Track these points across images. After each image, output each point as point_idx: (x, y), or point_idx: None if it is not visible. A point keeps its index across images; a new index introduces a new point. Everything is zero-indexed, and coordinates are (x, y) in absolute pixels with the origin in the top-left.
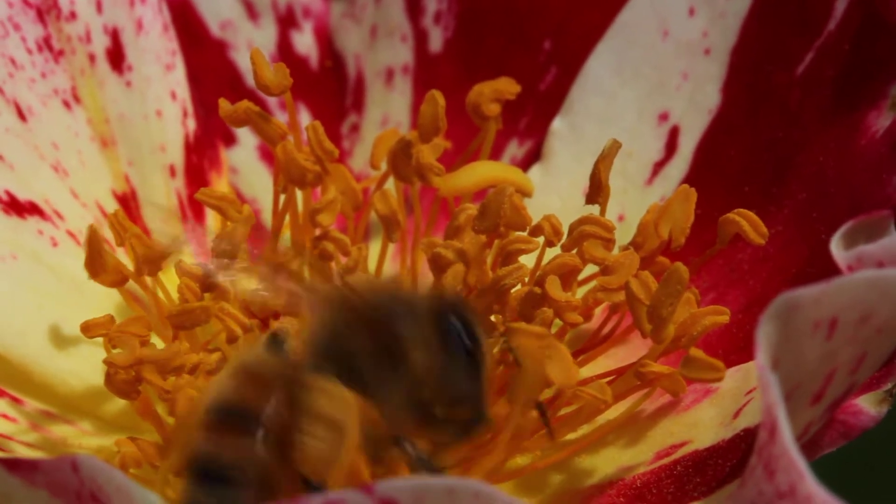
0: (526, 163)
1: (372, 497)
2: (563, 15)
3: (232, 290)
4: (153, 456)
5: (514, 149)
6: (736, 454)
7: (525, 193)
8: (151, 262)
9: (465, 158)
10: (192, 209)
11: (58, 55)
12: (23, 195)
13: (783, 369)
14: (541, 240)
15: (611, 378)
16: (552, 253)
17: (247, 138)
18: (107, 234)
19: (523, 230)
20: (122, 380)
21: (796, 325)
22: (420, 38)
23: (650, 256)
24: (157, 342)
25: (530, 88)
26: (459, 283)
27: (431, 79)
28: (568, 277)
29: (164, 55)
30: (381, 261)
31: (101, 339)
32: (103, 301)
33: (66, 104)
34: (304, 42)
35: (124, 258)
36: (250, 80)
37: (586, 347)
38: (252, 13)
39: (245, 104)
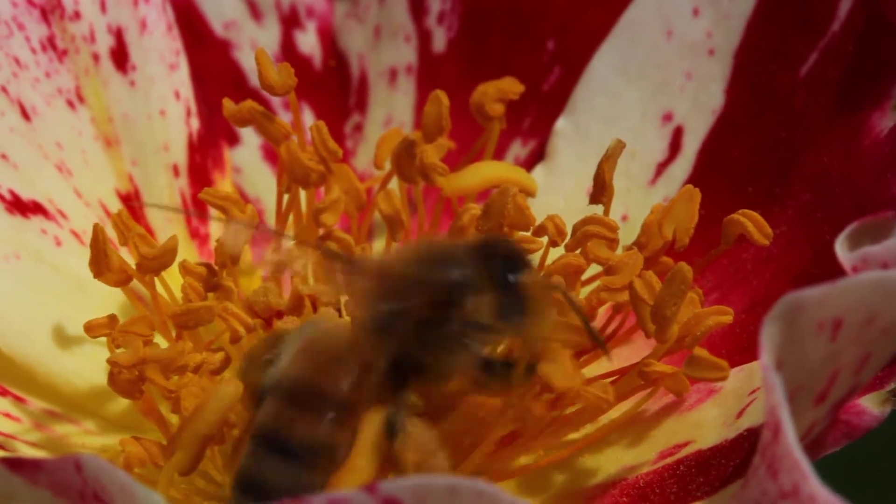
0: (529, 163)
1: (375, 496)
2: (566, 14)
3: (235, 290)
4: (157, 455)
5: (518, 149)
6: (739, 454)
7: (528, 193)
8: (155, 262)
9: (468, 158)
10: (196, 209)
11: (62, 55)
12: (26, 194)
13: (787, 370)
14: (544, 240)
15: (614, 378)
16: (556, 253)
17: (250, 138)
18: (110, 233)
19: (527, 230)
20: (126, 379)
21: (800, 326)
22: (423, 38)
23: (654, 256)
24: (161, 342)
25: (534, 88)
26: None
27: (435, 79)
28: (571, 277)
29: (168, 55)
30: None
31: (104, 339)
32: (107, 300)
33: (70, 104)
34: (308, 42)
35: (127, 257)
36: (254, 80)
37: (589, 348)
38: (255, 13)
39: (249, 104)
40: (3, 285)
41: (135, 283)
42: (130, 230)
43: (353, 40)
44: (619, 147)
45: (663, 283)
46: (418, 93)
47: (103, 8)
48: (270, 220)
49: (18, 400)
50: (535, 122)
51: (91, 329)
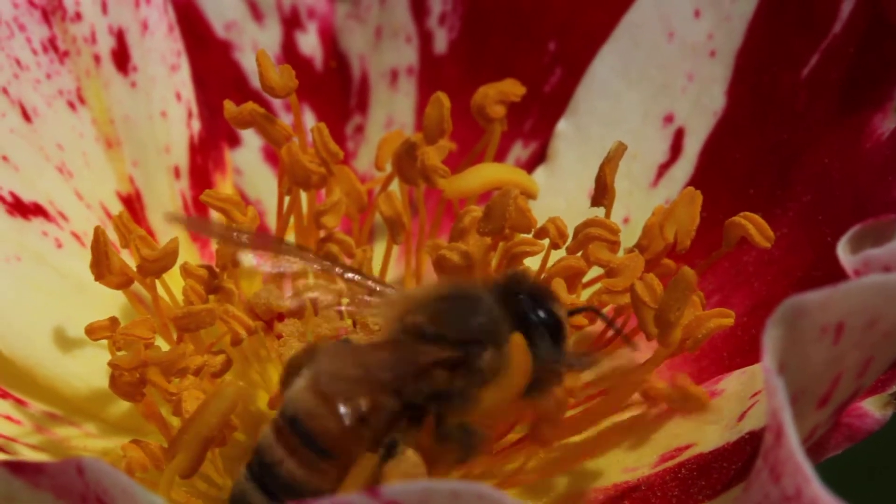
0: (531, 164)
1: (378, 500)
2: (567, 15)
3: (236, 292)
4: (158, 459)
5: (519, 150)
6: (741, 457)
7: (530, 195)
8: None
9: (469, 160)
10: (197, 210)
11: (63, 56)
12: (27, 196)
13: (789, 373)
14: (546, 242)
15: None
16: (557, 255)
17: (251, 140)
18: (111, 235)
19: (528, 232)
20: (127, 382)
21: (803, 329)
22: (425, 39)
23: (655, 259)
24: (162, 344)
25: (535, 90)
26: None
27: (436, 80)
28: (573, 280)
29: (170, 56)
30: (385, 263)
31: (105, 341)
32: (108, 303)
33: (71, 105)
34: (309, 43)
35: (129, 259)
36: (255, 82)
37: (591, 350)
38: (256, 14)
39: (250, 106)
40: (3, 287)
41: (136, 285)
42: (131, 232)
43: (354, 41)
44: (621, 149)
45: (667, 287)
46: (419, 94)
47: (104, 9)
48: (271, 222)
49: (19, 402)
50: (536, 123)
51: (92, 331)
